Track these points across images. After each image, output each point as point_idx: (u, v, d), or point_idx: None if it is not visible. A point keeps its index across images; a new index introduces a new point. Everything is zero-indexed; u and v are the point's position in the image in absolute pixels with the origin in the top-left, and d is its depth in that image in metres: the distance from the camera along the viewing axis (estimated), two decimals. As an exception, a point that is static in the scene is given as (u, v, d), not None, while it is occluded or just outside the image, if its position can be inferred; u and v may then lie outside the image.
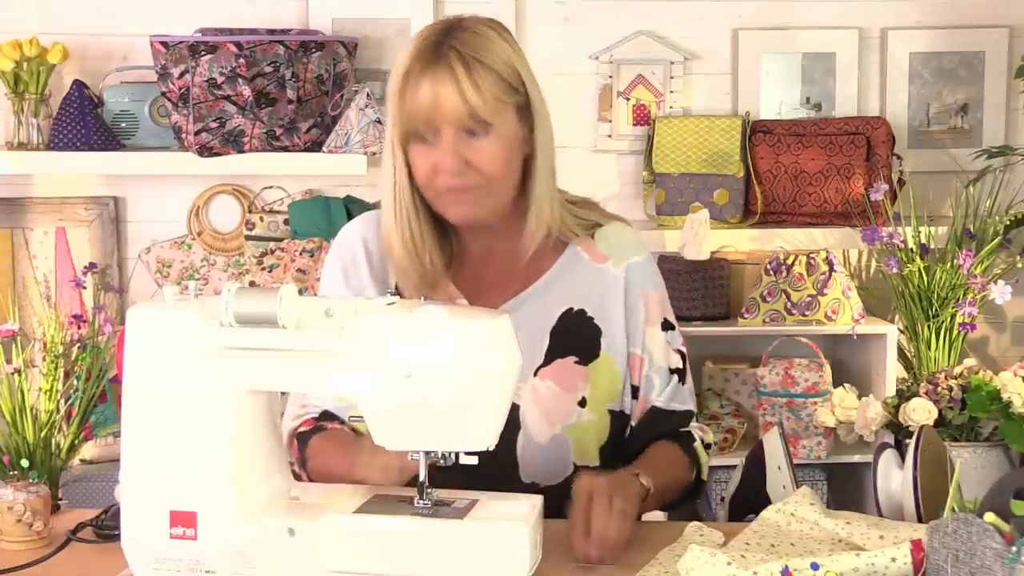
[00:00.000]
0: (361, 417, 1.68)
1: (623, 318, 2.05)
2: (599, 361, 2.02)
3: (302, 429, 2.05)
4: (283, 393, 1.96)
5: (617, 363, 2.04)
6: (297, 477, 2.03)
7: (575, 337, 2.02)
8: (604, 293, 2.05)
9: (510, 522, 1.63)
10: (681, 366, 2.10)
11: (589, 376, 2.01)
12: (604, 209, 2.15)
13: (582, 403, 2.00)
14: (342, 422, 2.05)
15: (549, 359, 2.00)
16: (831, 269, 3.38)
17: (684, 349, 2.13)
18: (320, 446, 2.00)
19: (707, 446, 2.10)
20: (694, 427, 2.10)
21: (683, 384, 2.09)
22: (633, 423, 2.06)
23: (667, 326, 2.09)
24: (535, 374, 1.99)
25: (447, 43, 1.91)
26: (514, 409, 1.87)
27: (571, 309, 2.03)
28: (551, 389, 1.98)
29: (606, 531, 1.73)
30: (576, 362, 2.01)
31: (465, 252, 2.06)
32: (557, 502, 1.81)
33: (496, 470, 1.77)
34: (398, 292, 1.99)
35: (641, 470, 1.91)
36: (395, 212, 1.98)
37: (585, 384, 2.00)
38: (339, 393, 1.81)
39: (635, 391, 2.06)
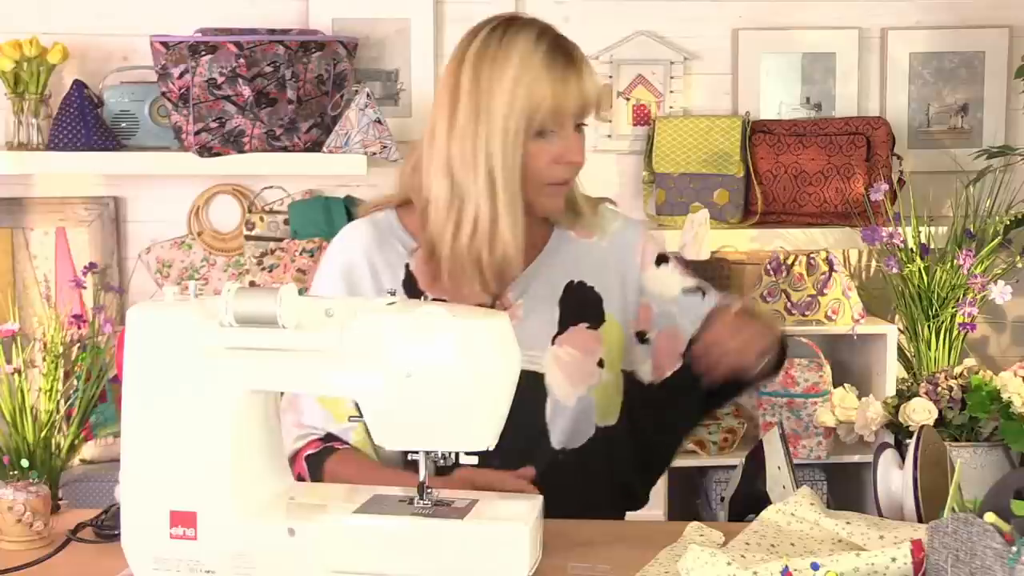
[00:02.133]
0: (361, 417, 1.67)
1: (619, 285, 2.13)
2: (607, 324, 2.11)
3: (310, 451, 2.03)
4: (283, 393, 1.96)
5: (620, 326, 2.12)
6: None
7: (582, 305, 2.11)
8: (597, 265, 2.13)
9: (510, 522, 1.63)
10: (695, 285, 2.16)
11: (602, 338, 2.10)
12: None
13: (600, 364, 2.09)
14: (345, 443, 2.05)
15: (563, 327, 2.08)
16: (831, 269, 3.38)
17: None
18: (340, 471, 1.98)
19: None
20: None
21: (707, 297, 2.15)
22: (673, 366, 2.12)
23: (661, 260, 2.17)
24: (552, 342, 2.07)
25: (563, 42, 2.00)
26: (538, 377, 2.03)
27: (572, 281, 2.11)
28: (571, 354, 2.07)
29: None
30: (588, 327, 2.09)
31: None
32: (581, 463, 2.01)
33: (523, 440, 1.91)
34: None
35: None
36: (510, 203, 1.98)
37: (599, 346, 2.09)
38: (339, 393, 1.80)
39: (642, 337, 2.13)
